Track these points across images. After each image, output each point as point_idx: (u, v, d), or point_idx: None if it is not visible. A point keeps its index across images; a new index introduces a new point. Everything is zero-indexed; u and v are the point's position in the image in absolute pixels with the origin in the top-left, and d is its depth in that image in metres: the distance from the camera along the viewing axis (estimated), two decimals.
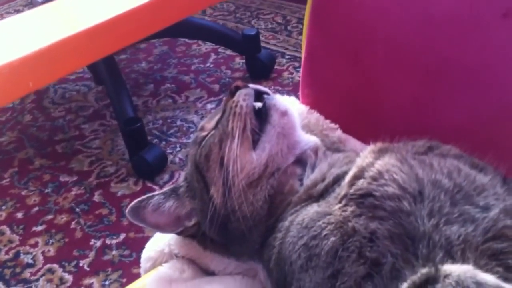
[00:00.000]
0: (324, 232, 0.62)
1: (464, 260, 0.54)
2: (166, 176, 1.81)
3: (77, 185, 1.83)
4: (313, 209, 0.67)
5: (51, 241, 1.64)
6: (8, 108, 2.24)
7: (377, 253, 0.57)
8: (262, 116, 0.78)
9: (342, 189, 0.65)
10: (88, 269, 1.54)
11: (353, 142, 0.95)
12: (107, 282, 1.50)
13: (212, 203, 0.76)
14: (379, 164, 0.65)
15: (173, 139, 1.96)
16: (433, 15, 0.86)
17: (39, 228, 1.69)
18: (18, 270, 1.57)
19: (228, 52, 2.39)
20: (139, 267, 0.91)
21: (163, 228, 0.83)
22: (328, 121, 0.98)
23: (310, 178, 0.74)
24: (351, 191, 0.63)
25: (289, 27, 2.52)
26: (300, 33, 2.42)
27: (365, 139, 0.88)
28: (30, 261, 1.59)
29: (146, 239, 0.93)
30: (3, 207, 1.78)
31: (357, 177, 0.65)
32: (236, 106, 0.78)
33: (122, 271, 1.52)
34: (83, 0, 1.06)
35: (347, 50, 0.98)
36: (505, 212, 0.58)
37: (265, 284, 0.79)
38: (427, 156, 0.68)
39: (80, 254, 1.59)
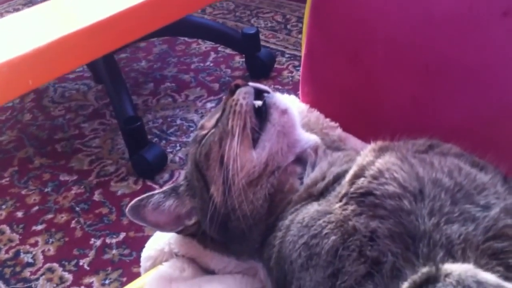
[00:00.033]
0: (325, 231, 0.62)
1: (464, 260, 0.54)
2: (166, 175, 1.81)
3: (77, 184, 1.82)
4: (313, 207, 0.67)
5: (51, 240, 1.64)
6: (7, 107, 2.24)
7: (378, 252, 0.57)
8: (262, 114, 0.78)
9: (342, 187, 0.65)
10: (88, 268, 1.54)
11: (353, 141, 0.95)
12: (107, 281, 1.49)
13: (212, 202, 0.76)
14: (380, 163, 0.64)
15: (173, 138, 1.96)
16: (433, 15, 0.86)
17: (39, 227, 1.69)
18: (18, 269, 1.57)
19: (228, 51, 2.39)
20: (139, 266, 0.91)
21: (163, 227, 0.83)
22: (328, 119, 0.98)
23: (310, 176, 0.74)
24: (352, 189, 0.63)
25: (288, 26, 2.52)
26: (300, 32, 2.42)
27: (365, 138, 0.88)
28: (30, 260, 1.59)
29: (146, 238, 0.93)
30: (3, 206, 1.78)
31: (357, 175, 0.64)
32: (236, 104, 0.78)
33: (122, 270, 1.52)
34: None
35: (347, 49, 0.98)
36: (505, 211, 0.58)
37: (265, 283, 0.79)
38: (428, 154, 0.68)
39: (80, 253, 1.59)
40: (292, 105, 0.81)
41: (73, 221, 1.69)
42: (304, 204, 0.70)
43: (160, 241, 0.88)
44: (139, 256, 0.92)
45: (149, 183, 1.79)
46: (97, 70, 2.20)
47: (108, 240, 1.61)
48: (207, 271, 0.86)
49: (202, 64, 2.34)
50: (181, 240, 0.86)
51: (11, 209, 1.76)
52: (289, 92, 1.13)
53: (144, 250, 0.90)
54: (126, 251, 1.57)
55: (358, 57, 0.97)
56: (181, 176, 1.63)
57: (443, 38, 0.86)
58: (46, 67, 0.89)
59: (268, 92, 0.80)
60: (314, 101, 1.02)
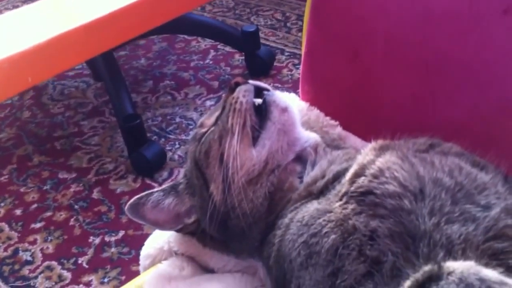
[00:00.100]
0: (324, 230, 0.62)
1: (464, 260, 0.54)
2: (165, 173, 1.80)
3: (76, 182, 1.82)
4: (313, 206, 0.67)
5: (49, 238, 1.64)
6: (6, 104, 2.24)
7: (378, 252, 0.57)
8: (262, 112, 0.78)
9: (342, 186, 0.65)
10: (87, 266, 1.54)
11: (353, 139, 0.95)
12: (106, 280, 1.49)
13: (212, 200, 0.76)
14: (380, 162, 0.64)
15: (172, 136, 1.96)
16: (433, 13, 0.86)
17: (38, 225, 1.68)
18: (16, 267, 1.56)
19: (228, 48, 2.39)
20: (138, 264, 0.91)
21: (162, 225, 0.82)
22: (328, 118, 0.98)
23: (310, 175, 0.74)
24: (352, 188, 0.63)
25: (288, 24, 2.52)
26: (300, 30, 2.41)
27: (365, 136, 0.88)
28: (29, 258, 1.59)
29: (145, 237, 0.93)
30: (2, 204, 1.78)
31: (358, 174, 0.64)
32: (236, 102, 0.78)
33: (121, 268, 1.52)
34: None
35: (347, 48, 0.98)
36: (506, 211, 0.58)
37: (264, 282, 0.79)
38: (428, 154, 0.68)
39: (79, 251, 1.58)
40: (292, 103, 0.80)
41: (72, 219, 1.68)
42: (304, 203, 0.70)
43: (159, 239, 0.88)
44: (138, 255, 0.91)
45: (148, 181, 1.79)
46: (97, 68, 2.19)
47: (107, 238, 1.61)
48: (207, 270, 0.86)
49: (201, 62, 2.34)
50: (181, 238, 0.86)
51: (10, 206, 1.76)
52: (288, 90, 1.13)
53: (143, 248, 0.90)
54: (125, 249, 1.57)
55: (358, 55, 0.96)
56: (180, 174, 1.63)
57: (443, 36, 0.86)
58: (46, 64, 0.89)
59: (268, 90, 0.80)
60: (314, 99, 1.02)
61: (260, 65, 2.20)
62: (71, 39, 0.89)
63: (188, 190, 0.82)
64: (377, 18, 0.92)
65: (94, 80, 2.32)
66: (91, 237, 1.62)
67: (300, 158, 0.78)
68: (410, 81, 0.91)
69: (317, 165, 0.75)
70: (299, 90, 1.06)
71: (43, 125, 2.11)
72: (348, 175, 0.66)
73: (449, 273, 0.50)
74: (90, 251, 1.58)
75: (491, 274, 0.50)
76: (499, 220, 0.56)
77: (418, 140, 0.72)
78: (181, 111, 2.07)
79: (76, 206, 1.73)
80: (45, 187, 1.82)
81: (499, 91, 0.83)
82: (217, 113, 0.81)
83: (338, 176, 0.70)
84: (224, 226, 0.77)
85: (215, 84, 2.19)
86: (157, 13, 1.02)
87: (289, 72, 2.20)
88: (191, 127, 1.97)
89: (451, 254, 0.54)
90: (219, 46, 2.42)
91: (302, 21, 2.37)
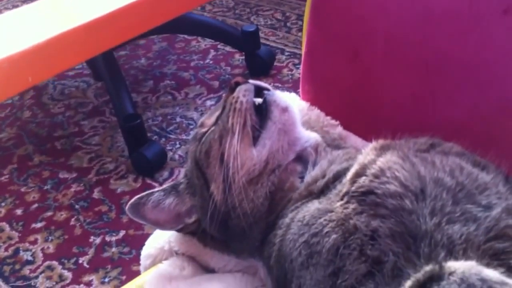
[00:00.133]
0: (325, 230, 0.62)
1: (465, 260, 0.54)
2: (165, 173, 1.80)
3: (77, 181, 1.82)
4: (314, 206, 0.67)
5: (50, 238, 1.64)
6: (7, 104, 2.24)
7: (379, 251, 0.57)
8: (262, 112, 0.78)
9: (343, 186, 0.65)
10: (87, 266, 1.54)
11: (353, 139, 0.95)
12: (106, 279, 1.49)
13: (213, 200, 0.76)
14: (381, 162, 0.64)
15: (172, 136, 1.96)
16: (433, 12, 0.86)
17: (39, 225, 1.68)
18: (17, 267, 1.56)
19: (228, 48, 2.38)
20: (139, 264, 0.91)
21: (163, 225, 0.82)
22: (328, 117, 0.98)
23: (310, 174, 0.74)
24: (353, 188, 0.63)
25: (288, 24, 2.51)
26: (300, 30, 2.41)
27: (366, 136, 0.88)
28: (30, 258, 1.59)
29: (146, 236, 0.93)
30: (3, 204, 1.78)
31: (359, 174, 0.64)
32: (236, 102, 0.78)
33: (121, 268, 1.52)
34: None
35: (347, 48, 0.98)
36: (507, 211, 0.58)
37: (265, 282, 0.79)
38: (429, 153, 0.68)
39: (79, 251, 1.58)
40: (292, 103, 0.80)
41: (73, 219, 1.68)
42: (305, 202, 0.70)
43: (160, 239, 0.88)
44: (138, 254, 0.91)
45: (148, 181, 1.79)
46: (97, 68, 2.19)
47: (107, 238, 1.61)
48: (207, 270, 0.86)
49: (201, 62, 2.34)
50: (181, 238, 0.86)
51: (11, 206, 1.76)
52: (289, 90, 1.13)
53: (144, 248, 0.90)
54: (126, 249, 1.57)
55: (358, 55, 0.96)
56: (181, 174, 1.63)
57: (443, 36, 0.86)
58: (46, 64, 0.89)
59: (268, 90, 0.80)
60: (315, 99, 1.02)
61: (260, 65, 2.20)
62: (71, 38, 0.89)
63: (188, 190, 0.82)
64: (377, 18, 0.92)
65: (94, 80, 2.32)
66: (92, 237, 1.62)
67: (301, 158, 0.78)
68: (410, 81, 0.91)
69: (318, 165, 0.75)
70: (300, 89, 1.06)
71: (44, 125, 2.11)
72: (349, 175, 0.66)
73: (451, 273, 0.50)
74: (91, 251, 1.58)
75: (492, 274, 0.50)
76: (500, 220, 0.56)
77: (419, 140, 0.72)
78: (181, 111, 2.07)
79: (76, 206, 1.73)
80: (45, 187, 1.82)
81: (499, 91, 0.83)
82: (217, 113, 0.81)
83: (338, 176, 0.70)
84: (224, 226, 0.77)
85: (215, 84, 2.19)
86: (157, 13, 1.02)
87: (289, 72, 2.20)
88: (191, 127, 1.97)
89: (452, 254, 0.54)
90: (219, 46, 2.42)
91: (302, 20, 2.37)
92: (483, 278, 0.49)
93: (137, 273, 0.91)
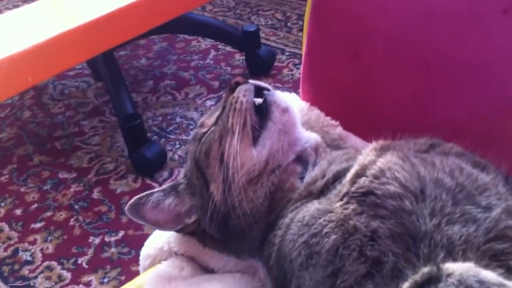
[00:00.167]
0: (325, 230, 0.62)
1: (465, 261, 0.54)
2: (165, 173, 1.80)
3: (76, 182, 1.82)
4: (313, 206, 0.67)
5: (49, 238, 1.63)
6: (7, 104, 2.23)
7: (378, 252, 0.57)
8: (262, 112, 0.78)
9: (343, 186, 0.65)
10: (86, 266, 1.54)
11: (353, 139, 0.95)
12: (105, 280, 1.49)
13: (212, 200, 0.76)
14: (381, 162, 0.64)
15: (172, 136, 1.96)
16: (433, 12, 0.86)
17: (38, 225, 1.68)
18: (16, 267, 1.56)
19: (228, 48, 2.38)
20: (138, 264, 0.91)
21: (162, 225, 0.82)
22: (328, 118, 0.98)
23: (310, 174, 0.74)
24: (353, 189, 0.63)
25: (289, 24, 2.51)
26: (300, 30, 2.41)
27: (366, 136, 0.88)
28: (29, 258, 1.58)
29: (145, 237, 0.93)
30: (2, 204, 1.77)
31: (359, 175, 0.64)
32: (236, 102, 0.77)
33: (121, 268, 1.52)
34: None
35: (347, 48, 0.98)
36: (507, 212, 0.58)
37: (264, 282, 0.79)
38: (429, 154, 0.68)
39: (78, 251, 1.58)
40: (292, 103, 0.80)
41: (72, 219, 1.68)
42: (305, 202, 0.70)
43: (160, 239, 0.88)
44: (138, 255, 0.91)
45: (148, 181, 1.79)
46: (97, 67, 2.19)
47: (107, 238, 1.60)
48: (207, 270, 0.86)
49: (202, 62, 2.34)
50: (181, 238, 0.86)
51: (10, 206, 1.76)
52: (289, 90, 1.13)
53: (143, 248, 0.90)
54: (125, 250, 1.57)
55: (358, 55, 0.96)
56: (180, 174, 1.63)
57: (443, 36, 0.85)
58: (46, 64, 0.89)
59: (268, 90, 0.80)
60: (315, 99, 1.02)
61: (261, 65, 2.20)
62: (71, 38, 0.89)
63: (188, 190, 0.82)
64: (377, 18, 0.92)
65: (94, 80, 2.32)
66: (91, 237, 1.62)
67: (301, 159, 0.78)
68: (410, 81, 0.91)
69: (317, 165, 0.75)
70: (300, 90, 1.06)
71: (44, 125, 2.11)
72: (349, 176, 0.66)
73: (448, 275, 0.50)
74: (90, 251, 1.58)
75: (490, 276, 0.50)
76: (499, 221, 0.56)
77: (419, 140, 0.71)
78: (181, 111, 2.07)
79: (76, 206, 1.73)
80: (45, 187, 1.81)
81: (499, 91, 0.83)
82: (217, 113, 0.81)
83: (338, 176, 0.69)
84: (224, 226, 0.77)
85: (216, 84, 2.19)
86: (157, 13, 1.02)
87: (290, 72, 2.19)
88: (191, 127, 1.97)
89: (451, 255, 0.54)
90: (219, 46, 2.41)
91: (302, 21, 2.36)
92: (481, 280, 0.49)
93: (136, 273, 0.91)
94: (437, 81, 0.87)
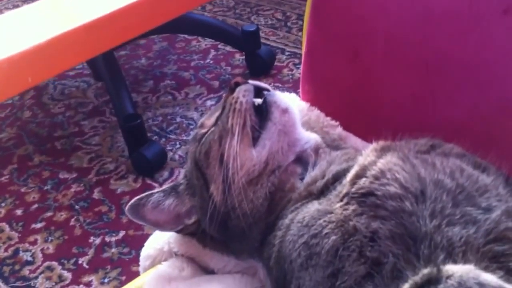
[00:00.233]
0: (325, 231, 0.62)
1: (465, 262, 0.54)
2: (165, 173, 1.80)
3: (77, 182, 1.82)
4: (313, 207, 0.67)
5: (50, 238, 1.63)
6: (7, 104, 2.23)
7: (378, 253, 0.57)
8: (262, 112, 0.78)
9: (343, 187, 0.65)
10: (87, 266, 1.54)
11: (353, 140, 0.95)
12: (106, 280, 1.49)
13: (212, 201, 0.76)
14: (381, 163, 0.64)
15: (172, 136, 1.96)
16: (433, 12, 0.86)
17: (38, 225, 1.68)
18: (17, 267, 1.56)
19: (228, 48, 2.38)
20: (138, 265, 0.91)
21: (162, 226, 0.82)
22: (328, 118, 0.98)
23: (310, 175, 0.74)
24: (353, 189, 0.63)
25: (289, 23, 2.51)
26: (300, 30, 2.41)
27: (366, 137, 0.88)
28: (29, 258, 1.58)
29: (145, 237, 0.93)
30: (2, 204, 1.77)
31: (359, 175, 0.64)
32: (235, 102, 0.77)
33: (121, 268, 1.52)
34: None
35: (347, 48, 0.98)
36: (507, 213, 0.57)
37: (264, 283, 0.79)
38: (430, 155, 0.68)
39: (79, 251, 1.58)
40: (292, 103, 0.80)
41: (73, 219, 1.68)
42: (305, 203, 0.69)
43: (160, 240, 0.88)
44: (138, 255, 0.91)
45: (148, 181, 1.79)
46: (97, 68, 2.19)
47: (107, 239, 1.60)
48: (207, 271, 0.86)
49: (202, 62, 2.34)
50: (181, 239, 0.86)
51: (11, 207, 1.76)
52: (289, 90, 1.13)
53: (143, 249, 0.90)
54: (126, 250, 1.57)
55: (358, 55, 0.96)
56: (180, 174, 1.63)
57: (443, 36, 0.85)
58: (46, 64, 0.89)
59: (268, 90, 0.80)
60: (315, 100, 1.02)
61: (261, 64, 2.19)
62: (71, 39, 0.89)
63: (188, 191, 0.82)
64: (377, 18, 0.92)
65: (94, 80, 2.32)
66: (92, 237, 1.62)
67: (301, 160, 0.78)
68: (410, 81, 0.91)
69: (317, 166, 0.75)
70: (300, 90, 1.06)
71: (44, 125, 2.11)
72: (349, 176, 0.65)
73: (448, 277, 0.50)
74: (91, 252, 1.58)
75: (490, 278, 0.49)
76: (500, 223, 0.56)
77: (419, 141, 0.71)
78: (181, 111, 2.07)
79: (76, 206, 1.73)
80: (45, 187, 1.81)
81: (499, 91, 0.83)
82: (217, 114, 0.81)
83: (338, 177, 0.69)
84: (224, 227, 0.77)
85: (216, 83, 2.19)
86: (157, 13, 1.02)
87: (290, 72, 2.19)
88: (191, 127, 1.97)
89: (451, 256, 0.54)
90: (219, 46, 2.41)
91: (302, 20, 2.36)
92: (481, 282, 0.49)
93: (137, 273, 0.91)
94: (437, 81, 0.87)
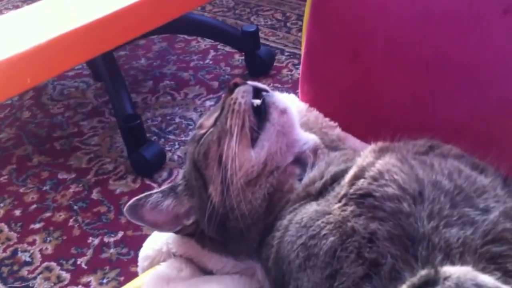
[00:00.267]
0: (323, 232, 0.61)
1: (463, 263, 0.54)
2: (164, 174, 1.80)
3: (76, 182, 1.82)
4: (312, 207, 0.67)
5: (48, 239, 1.63)
6: (6, 105, 2.23)
7: (376, 254, 0.57)
8: (261, 113, 0.77)
9: (342, 188, 0.65)
10: (85, 267, 1.53)
11: (352, 140, 0.94)
12: (104, 281, 1.49)
13: (211, 201, 0.76)
14: (380, 164, 0.64)
15: (171, 137, 1.96)
16: (433, 12, 0.86)
17: (37, 225, 1.68)
18: (15, 268, 1.56)
19: (227, 48, 2.38)
20: (137, 265, 0.91)
21: (161, 227, 0.82)
22: (327, 119, 0.98)
23: (308, 176, 0.74)
24: (351, 190, 0.63)
25: (288, 24, 2.51)
26: (300, 30, 2.41)
27: (365, 137, 0.88)
28: (28, 259, 1.58)
29: (144, 238, 0.92)
30: (1, 204, 1.77)
31: (357, 176, 0.64)
32: (234, 103, 0.77)
33: (120, 269, 1.52)
34: None
35: (347, 48, 0.97)
36: (505, 214, 0.57)
37: (263, 283, 0.79)
38: (428, 156, 0.67)
39: (78, 252, 1.58)
40: (291, 104, 0.80)
41: (71, 220, 1.68)
42: (303, 204, 0.69)
43: (158, 240, 0.88)
44: (137, 255, 0.91)
45: (147, 181, 1.78)
46: (96, 68, 2.19)
47: (106, 239, 1.60)
48: (205, 271, 0.86)
49: (201, 62, 2.34)
50: (179, 240, 0.86)
51: (9, 207, 1.76)
52: (288, 90, 1.13)
53: (142, 249, 0.90)
54: (124, 250, 1.56)
55: (357, 55, 0.96)
56: (179, 175, 1.63)
57: (443, 36, 0.85)
58: (45, 65, 0.89)
59: (267, 91, 0.80)
60: (314, 100, 1.01)
61: (260, 65, 2.19)
62: (71, 39, 0.89)
63: (187, 192, 0.82)
64: (377, 18, 0.92)
65: (94, 80, 2.32)
66: (90, 238, 1.61)
67: (299, 161, 0.77)
68: (410, 81, 0.90)
69: (316, 167, 0.75)
70: (299, 90, 1.06)
71: (43, 125, 2.11)
72: (348, 177, 0.65)
73: (446, 278, 0.50)
74: (89, 252, 1.57)
75: (488, 280, 0.49)
76: (497, 224, 0.56)
77: (418, 142, 0.71)
78: (180, 111, 2.07)
79: (75, 207, 1.73)
80: (44, 188, 1.81)
81: (499, 91, 0.83)
82: (216, 114, 0.81)
83: (336, 178, 0.69)
84: (223, 227, 0.77)
85: (215, 84, 2.19)
86: (157, 14, 1.02)
87: (289, 72, 2.19)
88: (190, 127, 1.97)
89: (449, 257, 0.54)
90: (219, 46, 2.41)
91: (302, 21, 2.36)
92: (478, 283, 0.48)
93: (136, 274, 0.91)
94: (437, 81, 0.87)
